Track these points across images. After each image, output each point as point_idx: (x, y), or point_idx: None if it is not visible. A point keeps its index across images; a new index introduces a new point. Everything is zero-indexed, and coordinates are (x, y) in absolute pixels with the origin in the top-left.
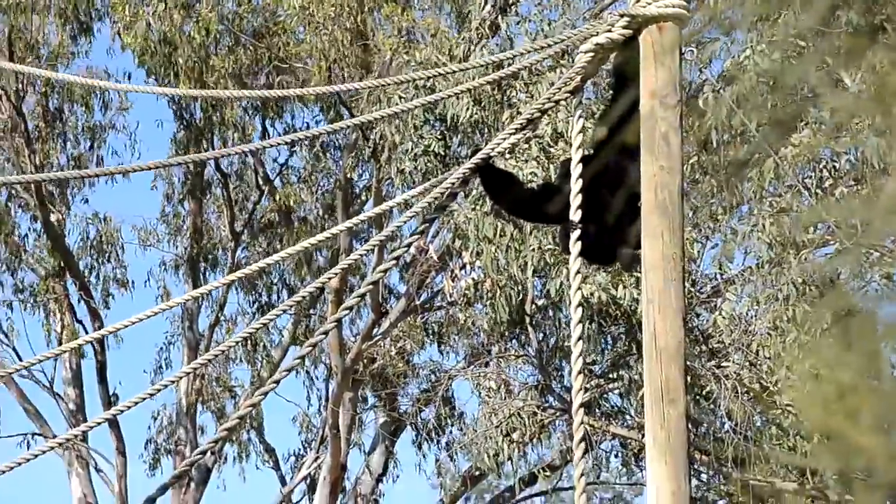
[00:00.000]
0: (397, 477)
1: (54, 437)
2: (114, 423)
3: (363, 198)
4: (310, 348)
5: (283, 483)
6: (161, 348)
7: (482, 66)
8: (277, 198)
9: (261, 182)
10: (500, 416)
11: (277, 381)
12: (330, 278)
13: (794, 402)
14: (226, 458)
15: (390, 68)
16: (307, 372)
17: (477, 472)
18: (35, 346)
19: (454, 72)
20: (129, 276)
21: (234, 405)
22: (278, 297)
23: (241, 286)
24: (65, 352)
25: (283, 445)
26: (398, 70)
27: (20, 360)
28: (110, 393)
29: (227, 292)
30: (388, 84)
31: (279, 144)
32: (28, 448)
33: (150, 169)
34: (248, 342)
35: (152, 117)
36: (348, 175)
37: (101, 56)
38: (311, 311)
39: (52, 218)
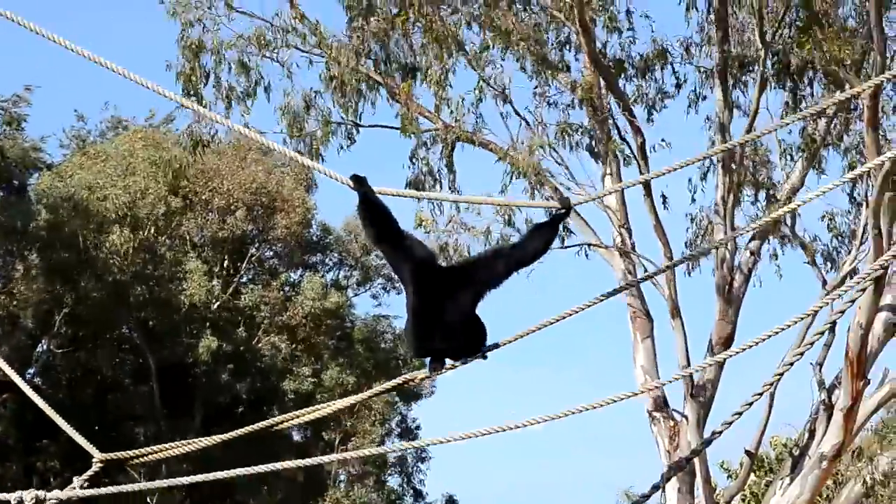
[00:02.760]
0: None
1: (605, 246)
2: (660, 230)
3: None
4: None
5: (822, 280)
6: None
7: None
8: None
9: None
10: None
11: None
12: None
13: None
14: (759, 257)
15: None
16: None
17: None
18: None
19: None
20: (666, 89)
21: (766, 206)
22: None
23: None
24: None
25: (818, 238)
26: None
27: (572, 177)
28: (654, 201)
29: (760, 97)
30: None
31: None
32: (587, 257)
33: None
34: (780, 144)
35: None
36: None
37: None
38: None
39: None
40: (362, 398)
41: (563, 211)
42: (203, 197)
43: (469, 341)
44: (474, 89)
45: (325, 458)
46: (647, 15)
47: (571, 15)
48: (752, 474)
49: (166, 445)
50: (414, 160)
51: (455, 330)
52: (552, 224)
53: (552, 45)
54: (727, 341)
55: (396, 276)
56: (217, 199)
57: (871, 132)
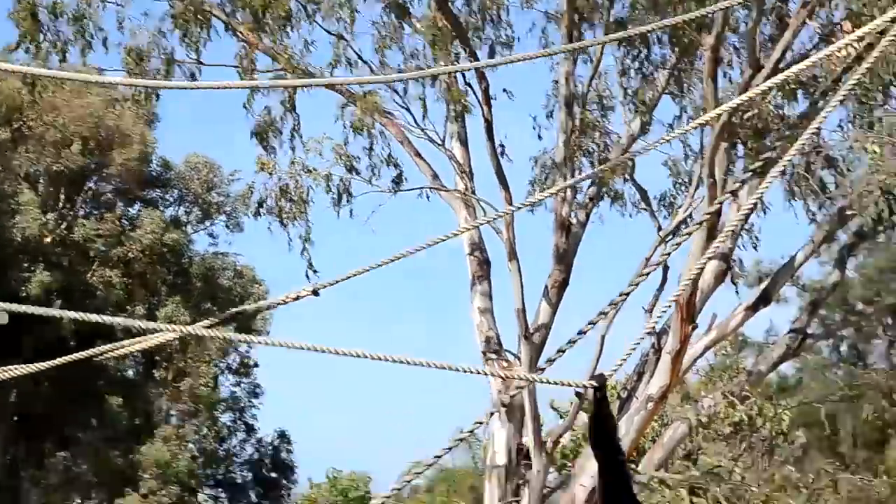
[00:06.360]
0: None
1: (447, 189)
2: (500, 174)
3: None
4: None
5: (656, 220)
6: (547, 100)
7: None
8: None
9: None
10: (881, 175)
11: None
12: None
13: None
14: (601, 201)
15: None
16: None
17: (849, 212)
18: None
19: None
20: (514, 35)
21: (608, 153)
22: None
23: (619, 42)
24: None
25: (654, 188)
26: None
27: (416, 123)
28: (496, 146)
29: (603, 47)
30: None
31: None
32: (428, 199)
33: None
34: (624, 92)
35: None
36: None
37: None
38: (686, 66)
39: None
40: (196, 328)
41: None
42: (38, 130)
43: None
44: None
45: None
46: None
47: None
48: (583, 414)
49: None
50: (248, 107)
51: None
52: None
53: None
54: (563, 284)
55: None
56: (52, 132)
57: (710, 83)
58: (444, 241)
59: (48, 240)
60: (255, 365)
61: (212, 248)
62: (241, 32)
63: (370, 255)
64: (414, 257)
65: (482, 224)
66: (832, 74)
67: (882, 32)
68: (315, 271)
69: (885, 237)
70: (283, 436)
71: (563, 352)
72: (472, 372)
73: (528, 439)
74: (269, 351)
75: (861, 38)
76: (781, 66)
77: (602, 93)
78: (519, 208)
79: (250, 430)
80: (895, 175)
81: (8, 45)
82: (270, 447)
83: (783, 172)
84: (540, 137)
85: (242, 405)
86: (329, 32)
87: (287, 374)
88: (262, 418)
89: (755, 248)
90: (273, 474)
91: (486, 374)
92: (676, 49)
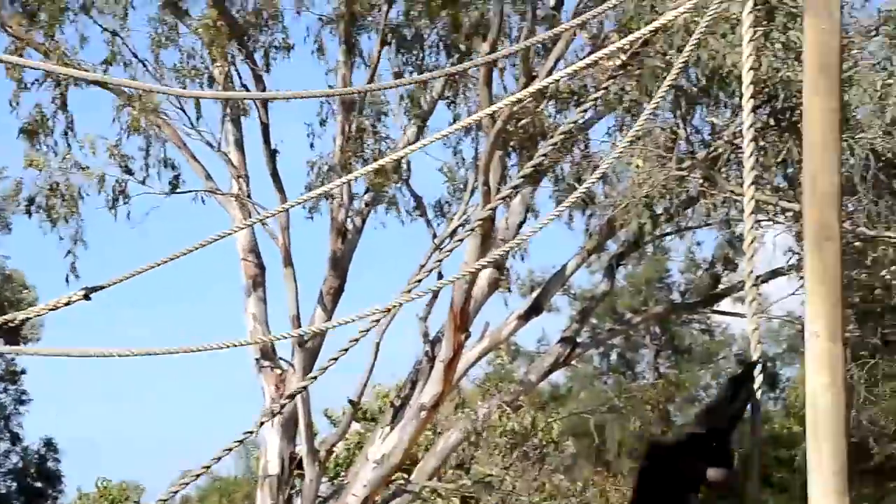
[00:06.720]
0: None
1: (222, 193)
2: (276, 178)
3: None
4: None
5: (431, 227)
6: (321, 107)
7: None
8: None
9: None
10: (645, 188)
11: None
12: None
13: None
14: (376, 209)
15: None
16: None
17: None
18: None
19: None
20: (290, 40)
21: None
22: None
23: (396, 47)
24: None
25: (430, 195)
26: None
27: (192, 125)
28: (272, 149)
29: (381, 52)
30: None
31: None
32: (203, 203)
33: None
34: (400, 98)
35: None
36: None
37: None
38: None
39: None
40: None
41: None
42: None
43: None
44: None
45: None
46: None
47: None
48: (356, 423)
49: None
50: (14, 105)
51: None
52: None
53: None
54: (338, 291)
55: None
56: None
57: (485, 89)
58: (216, 240)
59: None
60: (23, 372)
61: None
62: (10, 27)
63: (149, 258)
64: (190, 273)
65: (253, 224)
66: (600, 84)
67: (646, 43)
68: (77, 276)
69: (652, 247)
70: (49, 444)
71: (336, 360)
72: (241, 345)
73: (301, 448)
74: (39, 357)
75: (624, 49)
76: (554, 75)
77: (378, 98)
78: (287, 209)
79: (16, 438)
80: (660, 188)
81: None
82: (36, 456)
83: (557, 181)
84: (312, 146)
85: (8, 413)
86: (104, 28)
87: (56, 380)
88: (28, 426)
89: (522, 259)
90: (38, 484)
91: (254, 343)
92: (453, 55)
